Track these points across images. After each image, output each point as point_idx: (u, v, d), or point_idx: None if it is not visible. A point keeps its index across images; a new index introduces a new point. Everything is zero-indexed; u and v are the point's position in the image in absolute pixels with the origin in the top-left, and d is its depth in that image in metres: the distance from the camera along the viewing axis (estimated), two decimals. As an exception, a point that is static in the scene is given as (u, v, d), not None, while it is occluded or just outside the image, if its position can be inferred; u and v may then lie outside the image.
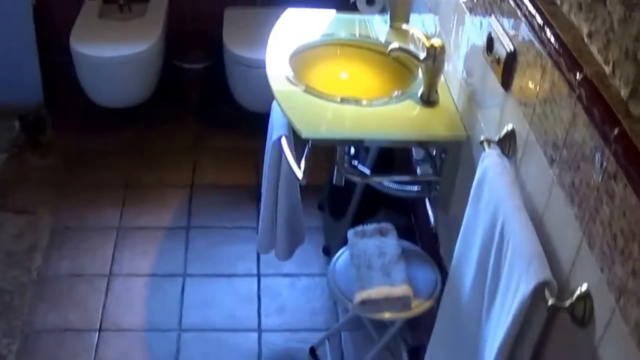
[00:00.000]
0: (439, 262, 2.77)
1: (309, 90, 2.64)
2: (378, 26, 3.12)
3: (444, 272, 2.68)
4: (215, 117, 4.47)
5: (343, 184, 2.77)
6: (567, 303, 1.57)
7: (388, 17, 3.11)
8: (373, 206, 3.36)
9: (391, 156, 3.44)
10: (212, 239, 3.69)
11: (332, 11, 3.21)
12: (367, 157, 3.14)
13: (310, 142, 2.51)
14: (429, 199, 2.96)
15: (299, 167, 2.56)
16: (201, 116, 4.47)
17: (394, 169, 3.46)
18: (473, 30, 2.41)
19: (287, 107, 2.55)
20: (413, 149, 3.15)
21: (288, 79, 2.70)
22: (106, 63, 3.92)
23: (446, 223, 2.76)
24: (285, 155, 2.61)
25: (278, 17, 3.12)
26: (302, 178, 2.50)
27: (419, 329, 3.09)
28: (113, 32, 4.05)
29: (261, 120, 4.04)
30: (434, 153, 2.79)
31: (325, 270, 3.52)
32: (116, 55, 3.91)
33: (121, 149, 4.20)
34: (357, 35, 3.04)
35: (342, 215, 3.44)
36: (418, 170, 3.03)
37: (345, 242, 2.85)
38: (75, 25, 4.05)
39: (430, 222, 2.97)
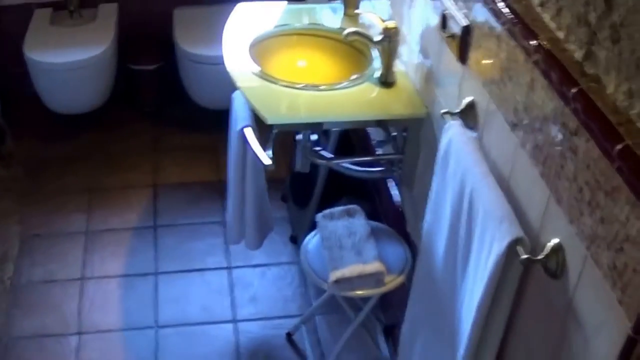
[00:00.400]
0: (407, 239, 2.84)
1: (271, 79, 2.70)
2: (329, 15, 3.19)
3: (412, 249, 2.77)
4: (172, 117, 4.49)
5: (308, 169, 2.83)
6: (541, 256, 1.65)
7: (342, 4, 3.17)
8: (336, 193, 3.41)
9: (350, 142, 3.50)
10: (180, 236, 3.73)
11: (283, 2, 3.26)
12: (327, 144, 3.20)
13: (274, 128, 2.58)
14: (392, 179, 3.03)
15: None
16: (158, 117, 4.49)
17: (355, 153, 3.53)
18: (426, 11, 2.48)
19: (250, 96, 2.61)
20: (370, 133, 3.23)
21: (249, 70, 2.75)
22: (62, 69, 3.93)
23: (411, 200, 2.82)
24: (250, 145, 2.67)
25: (227, 13, 3.15)
26: (271, 164, 2.56)
27: (391, 308, 3.16)
28: (66, 38, 4.06)
29: (218, 116, 4.11)
30: (394, 133, 2.87)
31: (294, 258, 3.60)
32: (71, 61, 3.92)
33: (82, 154, 4.21)
34: (312, 24, 3.10)
35: (306, 203, 3.50)
36: (378, 152, 3.11)
37: (311, 228, 2.91)
38: (28, 34, 4.05)
39: (395, 202, 3.03)
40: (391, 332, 3.20)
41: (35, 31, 4.09)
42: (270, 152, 2.60)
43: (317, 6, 3.26)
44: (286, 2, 3.26)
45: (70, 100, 4.13)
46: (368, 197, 3.40)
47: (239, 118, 2.78)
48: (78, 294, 3.39)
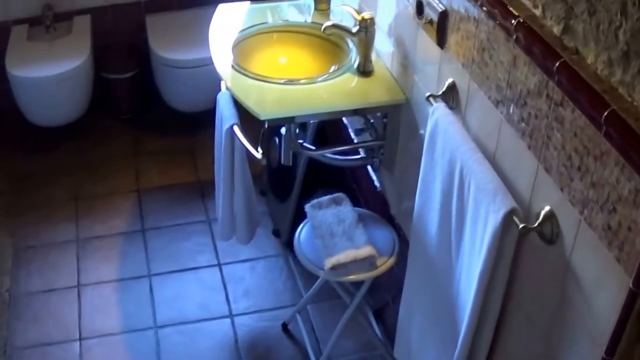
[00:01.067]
0: (391, 222, 2.92)
1: (256, 76, 2.78)
2: (296, 12, 3.24)
3: (397, 230, 2.85)
4: (150, 122, 4.53)
5: (291, 162, 2.91)
6: (535, 224, 1.74)
7: (312, 0, 3.24)
8: (314, 184, 3.48)
9: (325, 132, 3.56)
10: (168, 238, 3.79)
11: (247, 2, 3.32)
12: (305, 136, 3.27)
13: (266, 124, 2.65)
14: (372, 165, 3.11)
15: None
16: (136, 123, 4.53)
17: (330, 143, 3.59)
18: (399, 0, 2.57)
19: (240, 94, 2.70)
20: (348, 122, 3.30)
21: (235, 69, 2.83)
22: (44, 83, 3.96)
23: (393, 184, 2.91)
24: (240, 142, 2.73)
25: (197, 17, 3.20)
26: (262, 159, 2.63)
27: (379, 291, 3.24)
28: (45, 53, 4.09)
29: (194, 119, 4.18)
30: (373, 120, 2.95)
31: (279, 251, 3.67)
32: (53, 74, 3.95)
33: (64, 164, 4.23)
34: (288, 22, 3.17)
35: (286, 196, 3.57)
36: (355, 140, 3.19)
37: (294, 220, 2.97)
38: (8, 51, 4.08)
39: (375, 187, 3.11)
40: (381, 315, 3.28)
41: (15, 48, 4.12)
42: (260, 148, 2.67)
43: (282, 4, 3.31)
44: (249, 2, 3.32)
45: (52, 113, 4.16)
46: (344, 185, 3.47)
47: (226, 117, 2.85)
48: (76, 301, 3.44)
